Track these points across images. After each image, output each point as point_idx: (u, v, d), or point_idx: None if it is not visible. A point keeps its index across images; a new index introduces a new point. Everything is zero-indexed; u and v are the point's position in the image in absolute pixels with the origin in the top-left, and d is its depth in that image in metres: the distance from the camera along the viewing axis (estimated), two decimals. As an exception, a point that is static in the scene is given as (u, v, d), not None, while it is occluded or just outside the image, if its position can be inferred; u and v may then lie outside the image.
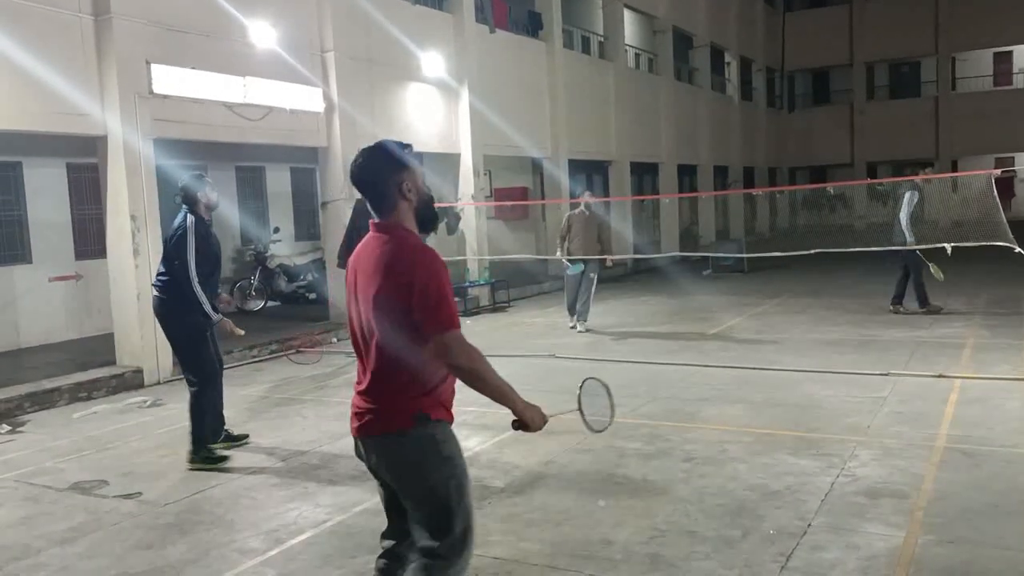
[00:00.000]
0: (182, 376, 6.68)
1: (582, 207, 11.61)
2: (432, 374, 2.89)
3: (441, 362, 2.81)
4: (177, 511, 5.25)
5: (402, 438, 2.87)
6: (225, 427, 6.61)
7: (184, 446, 6.46)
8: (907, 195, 11.25)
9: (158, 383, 9.35)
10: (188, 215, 6.22)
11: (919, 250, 10.93)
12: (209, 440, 6.33)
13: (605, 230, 11.74)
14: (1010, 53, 34.39)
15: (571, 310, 11.74)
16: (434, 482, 2.89)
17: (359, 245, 3.06)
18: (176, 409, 8.10)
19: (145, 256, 9.35)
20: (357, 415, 2.96)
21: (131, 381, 9.19)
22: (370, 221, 2.99)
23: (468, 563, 2.97)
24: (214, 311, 6.24)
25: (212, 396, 6.42)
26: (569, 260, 11.46)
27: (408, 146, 3.09)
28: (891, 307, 11.70)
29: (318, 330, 7.37)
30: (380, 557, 3.12)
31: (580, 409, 3.28)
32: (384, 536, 3.14)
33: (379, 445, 2.93)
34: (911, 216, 11.06)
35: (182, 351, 6.38)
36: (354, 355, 3.04)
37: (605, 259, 11.55)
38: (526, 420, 2.96)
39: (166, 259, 6.25)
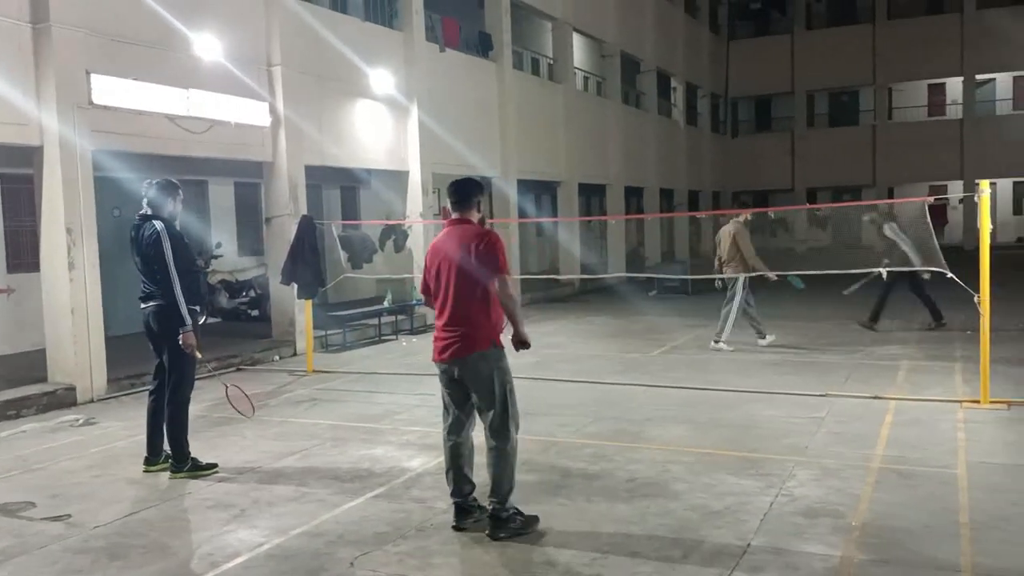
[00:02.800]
0: (144, 389, 6.48)
1: (745, 219, 11.35)
2: (494, 312, 4.75)
3: (498, 293, 4.67)
4: (108, 534, 5.07)
5: (484, 356, 4.73)
6: (166, 448, 6.43)
7: (118, 466, 6.30)
8: (895, 226, 11.74)
9: (91, 401, 9.07)
10: (156, 220, 6.11)
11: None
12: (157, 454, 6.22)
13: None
14: (943, 85, 35.69)
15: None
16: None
17: (442, 232, 4.94)
18: (110, 428, 7.88)
19: (80, 270, 9.09)
20: (446, 345, 4.78)
21: (63, 399, 8.90)
22: (450, 218, 4.94)
23: (517, 435, 4.84)
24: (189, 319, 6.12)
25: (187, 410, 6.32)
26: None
27: (483, 183, 5.18)
28: (935, 324, 12.08)
29: (241, 389, 7.44)
30: (448, 444, 4.92)
31: None
32: (450, 431, 4.93)
33: (467, 362, 4.73)
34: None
35: (177, 361, 6.18)
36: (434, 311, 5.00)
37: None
38: (526, 339, 4.85)
39: (147, 267, 6.10)
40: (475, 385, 4.78)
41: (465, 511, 4.91)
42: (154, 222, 6.11)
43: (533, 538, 4.74)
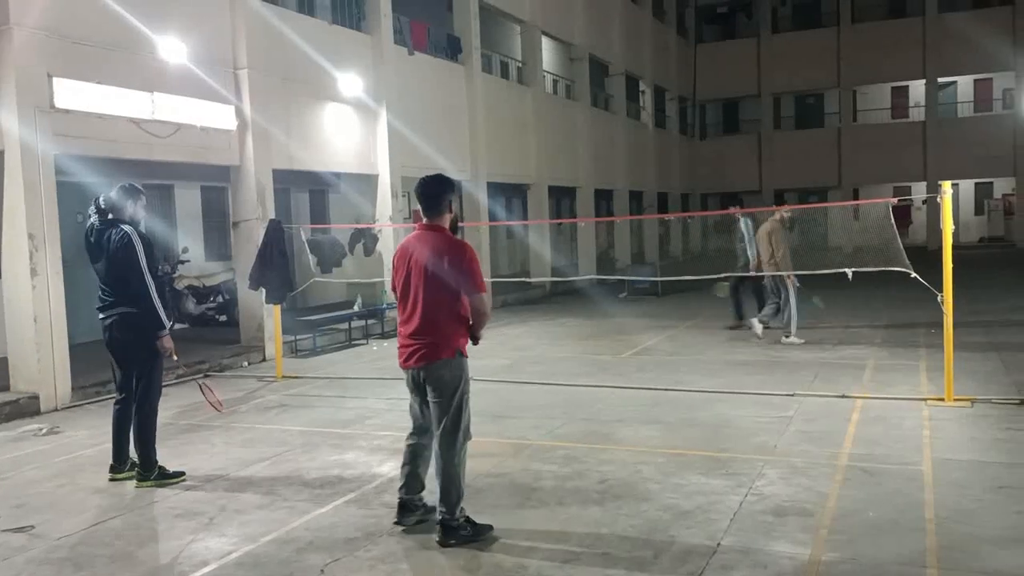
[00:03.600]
0: (116, 396, 6.34)
1: (781, 217, 11.50)
2: (464, 322, 4.78)
3: (474, 310, 4.73)
4: (73, 544, 4.98)
5: (449, 363, 4.73)
6: (132, 456, 6.32)
7: (83, 475, 6.20)
8: (749, 223, 12.47)
9: (55, 410, 8.91)
10: (123, 224, 6.01)
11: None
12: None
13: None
14: (906, 88, 36.27)
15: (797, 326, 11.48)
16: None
17: (410, 236, 4.89)
18: (75, 437, 7.75)
19: (43, 277, 8.93)
20: (413, 352, 4.77)
21: (27, 408, 8.73)
22: (420, 222, 4.86)
23: (467, 445, 4.83)
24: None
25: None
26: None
27: (452, 180, 5.04)
28: (736, 325, 12.70)
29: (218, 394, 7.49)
30: (409, 442, 5.01)
31: None
32: (415, 432, 5.01)
33: (432, 368, 4.73)
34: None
35: (146, 368, 6.10)
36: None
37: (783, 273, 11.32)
38: (479, 338, 4.88)
39: (116, 273, 5.97)
40: (436, 390, 4.78)
41: (409, 509, 4.97)
42: (122, 226, 6.01)
43: (503, 544, 4.73)
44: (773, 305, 11.70)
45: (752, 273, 12.03)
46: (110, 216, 6.07)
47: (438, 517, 4.77)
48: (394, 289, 5.00)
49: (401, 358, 4.87)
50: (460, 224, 4.74)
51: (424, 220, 4.87)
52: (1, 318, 9.44)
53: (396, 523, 4.95)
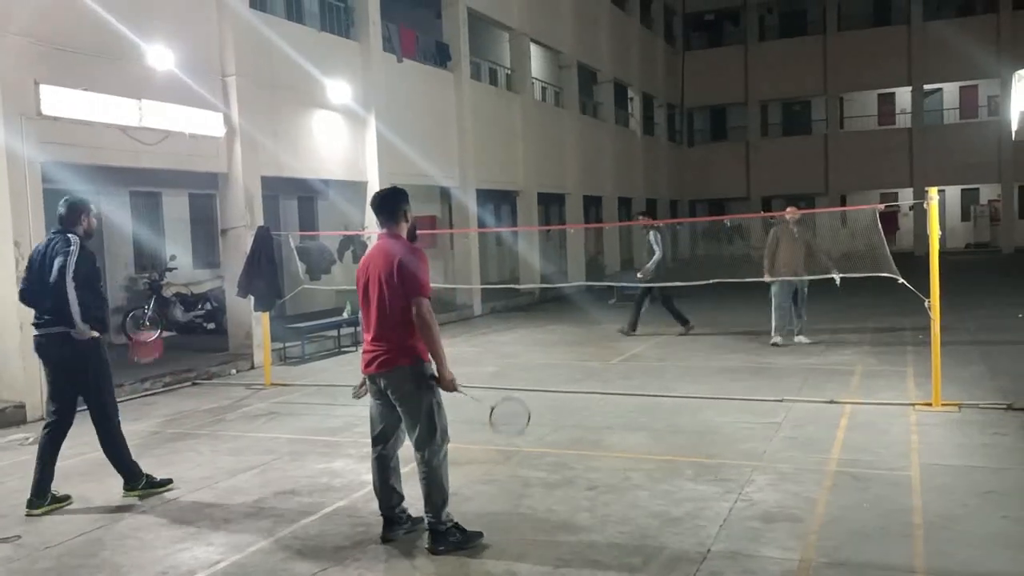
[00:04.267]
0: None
1: (788, 221, 11.68)
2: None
3: (414, 316, 4.62)
4: (58, 555, 4.94)
5: (408, 370, 4.72)
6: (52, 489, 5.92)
7: (68, 485, 6.15)
8: (658, 235, 13.19)
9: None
10: (71, 236, 5.79)
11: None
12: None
13: (812, 244, 11.80)
14: (892, 95, 36.53)
15: (780, 329, 11.71)
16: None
17: (372, 246, 5.01)
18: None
19: (29, 284, 8.86)
20: (373, 358, 4.77)
21: (11, 417, 8.66)
22: (380, 232, 4.95)
23: (446, 448, 4.80)
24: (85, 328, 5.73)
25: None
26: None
27: (407, 192, 5.04)
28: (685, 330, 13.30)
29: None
30: (373, 456, 4.96)
31: (491, 417, 5.22)
32: (376, 441, 4.94)
33: (392, 375, 4.72)
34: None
35: (99, 383, 5.94)
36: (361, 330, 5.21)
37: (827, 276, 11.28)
38: (444, 380, 4.74)
39: (47, 277, 5.65)
40: (400, 399, 4.77)
41: (394, 523, 4.95)
42: (68, 235, 5.78)
43: (492, 551, 4.72)
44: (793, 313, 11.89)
45: (665, 284, 12.78)
46: (60, 227, 5.87)
47: (426, 524, 4.78)
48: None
49: (363, 364, 4.91)
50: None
51: (384, 231, 4.96)
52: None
53: (383, 539, 4.91)
